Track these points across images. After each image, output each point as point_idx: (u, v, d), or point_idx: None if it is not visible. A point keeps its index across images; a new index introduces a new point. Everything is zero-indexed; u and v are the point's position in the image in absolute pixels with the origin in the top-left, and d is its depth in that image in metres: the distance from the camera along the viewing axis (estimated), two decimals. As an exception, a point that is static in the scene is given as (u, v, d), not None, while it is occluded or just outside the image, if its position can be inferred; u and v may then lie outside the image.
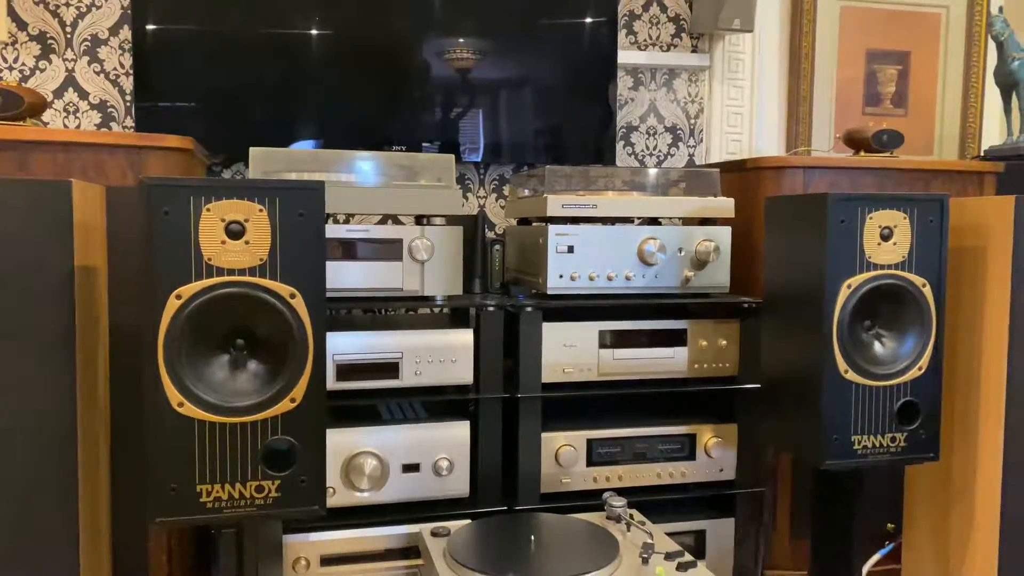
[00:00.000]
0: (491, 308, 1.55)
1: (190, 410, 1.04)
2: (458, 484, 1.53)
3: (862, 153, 1.87)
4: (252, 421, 1.06)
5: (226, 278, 1.05)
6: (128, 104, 1.85)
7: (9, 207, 1.00)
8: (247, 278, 1.05)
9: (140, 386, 1.04)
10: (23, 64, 1.78)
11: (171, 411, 1.03)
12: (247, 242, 1.05)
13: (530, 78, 2.02)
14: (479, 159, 2.02)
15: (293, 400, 1.08)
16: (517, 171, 2.08)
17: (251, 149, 1.45)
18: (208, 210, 1.03)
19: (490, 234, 2.05)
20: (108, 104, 1.84)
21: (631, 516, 1.37)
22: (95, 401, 1.18)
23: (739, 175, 1.84)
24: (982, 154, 2.11)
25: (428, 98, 1.96)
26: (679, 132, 2.22)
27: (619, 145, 2.17)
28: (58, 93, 1.81)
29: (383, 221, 1.85)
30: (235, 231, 1.05)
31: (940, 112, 2.39)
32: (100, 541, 1.21)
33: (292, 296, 1.07)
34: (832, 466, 1.34)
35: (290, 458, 1.09)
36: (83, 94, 1.83)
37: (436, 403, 1.66)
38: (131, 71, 1.82)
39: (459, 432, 1.53)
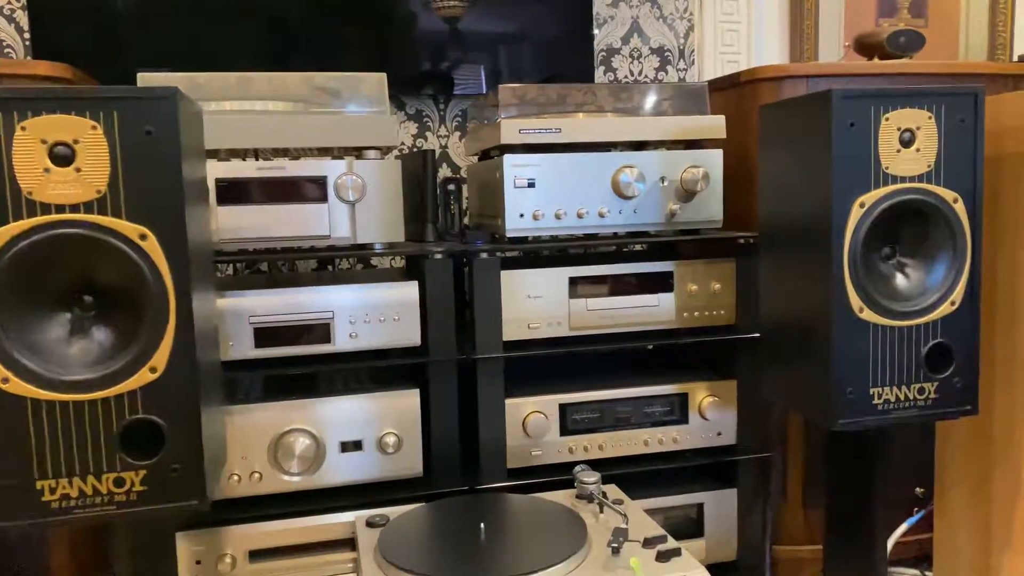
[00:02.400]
0: (439, 255, 1.31)
1: (18, 387, 0.82)
2: (409, 463, 1.31)
3: (876, 59, 1.60)
4: (103, 397, 0.84)
5: (54, 216, 0.82)
6: (27, 43, 1.61)
7: None
8: (81, 216, 0.82)
9: (-45, 359, 0.81)
10: (-103, 0, 1.56)
11: (-6, 389, 0.81)
12: (78, 169, 0.82)
13: (489, -5, 1.76)
14: (436, 91, 1.78)
15: (153, 370, 0.85)
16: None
17: (139, 74, 1.22)
18: (23, 128, 0.80)
19: (447, 174, 1.81)
20: (4, 44, 1.61)
21: (603, 494, 1.15)
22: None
23: (733, 92, 1.58)
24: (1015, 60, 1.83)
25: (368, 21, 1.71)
26: (667, 54, 1.96)
27: (599, 71, 1.90)
28: (-57, 33, 1.58)
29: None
30: (62, 156, 0.81)
31: (965, 20, 2.10)
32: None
33: (142, 237, 0.84)
34: (847, 425, 1.10)
35: (156, 442, 0.86)
36: (-28, 33, 1.60)
37: (379, 370, 1.44)
38: (25, 5, 1.58)
39: (407, 402, 1.31)
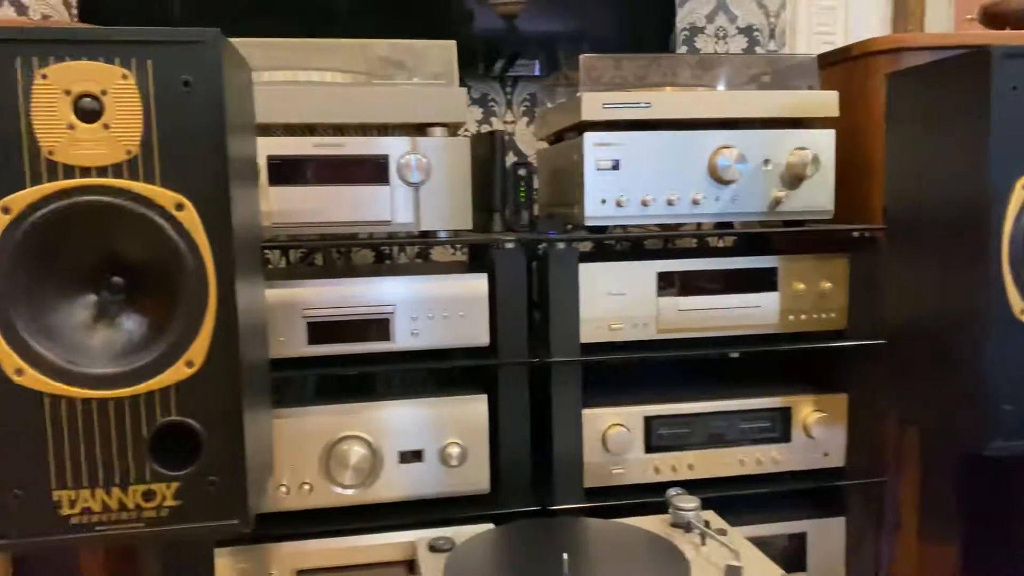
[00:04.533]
0: (510, 245, 1.17)
1: (34, 379, 0.70)
2: (474, 477, 1.17)
3: (1007, 31, 1.41)
4: (131, 395, 0.72)
5: (78, 181, 0.69)
6: (73, 15, 1.53)
7: None
8: (109, 180, 0.70)
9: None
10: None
11: (6, 382, 0.69)
12: (107, 126, 0.70)
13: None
14: (501, 72, 1.64)
15: (190, 364, 0.72)
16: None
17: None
18: (44, 76, 0.68)
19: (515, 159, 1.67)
20: (50, 19, 1.53)
21: (707, 523, 0.98)
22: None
23: (841, 68, 1.40)
24: None
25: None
26: (756, 34, 1.79)
27: (681, 51, 1.74)
28: (-9, 8, 1.50)
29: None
30: (88, 109, 0.69)
31: (1094, -4, 1.87)
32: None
33: (179, 207, 0.71)
34: (1002, 450, 0.91)
35: (191, 450, 0.73)
36: (21, 8, 1.51)
37: (443, 372, 1.30)
38: (75, -22, 1.49)
39: (474, 409, 1.16)
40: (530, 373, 1.18)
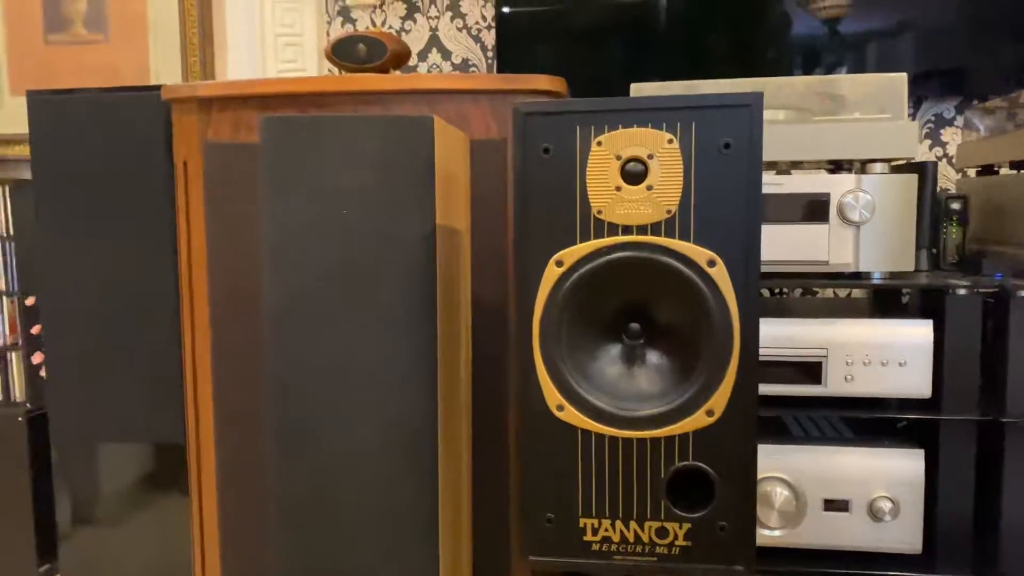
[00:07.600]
0: (962, 291, 1.08)
1: (572, 416, 0.77)
2: (904, 535, 1.10)
3: None
4: (653, 437, 0.76)
5: (621, 238, 0.75)
6: (490, 60, 1.69)
7: (355, 151, 0.80)
8: (649, 238, 0.75)
9: (505, 382, 0.79)
10: (389, 26, 1.71)
11: (549, 416, 0.77)
12: (650, 187, 0.75)
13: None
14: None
15: (710, 413, 0.75)
16: (964, 105, 1.53)
17: (633, 85, 1.16)
18: (599, 144, 0.75)
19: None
20: (470, 63, 1.71)
21: None
22: (457, 397, 0.97)
23: None
24: None
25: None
26: None
27: None
28: (422, 56, 1.71)
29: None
30: (634, 173, 0.75)
31: None
32: (460, 565, 1.01)
33: (711, 264, 0.74)
34: None
35: (702, 495, 0.76)
36: (446, 54, 1.71)
37: (868, 422, 1.23)
38: (493, 23, 1.65)
39: (908, 464, 1.09)
40: (977, 431, 1.08)
